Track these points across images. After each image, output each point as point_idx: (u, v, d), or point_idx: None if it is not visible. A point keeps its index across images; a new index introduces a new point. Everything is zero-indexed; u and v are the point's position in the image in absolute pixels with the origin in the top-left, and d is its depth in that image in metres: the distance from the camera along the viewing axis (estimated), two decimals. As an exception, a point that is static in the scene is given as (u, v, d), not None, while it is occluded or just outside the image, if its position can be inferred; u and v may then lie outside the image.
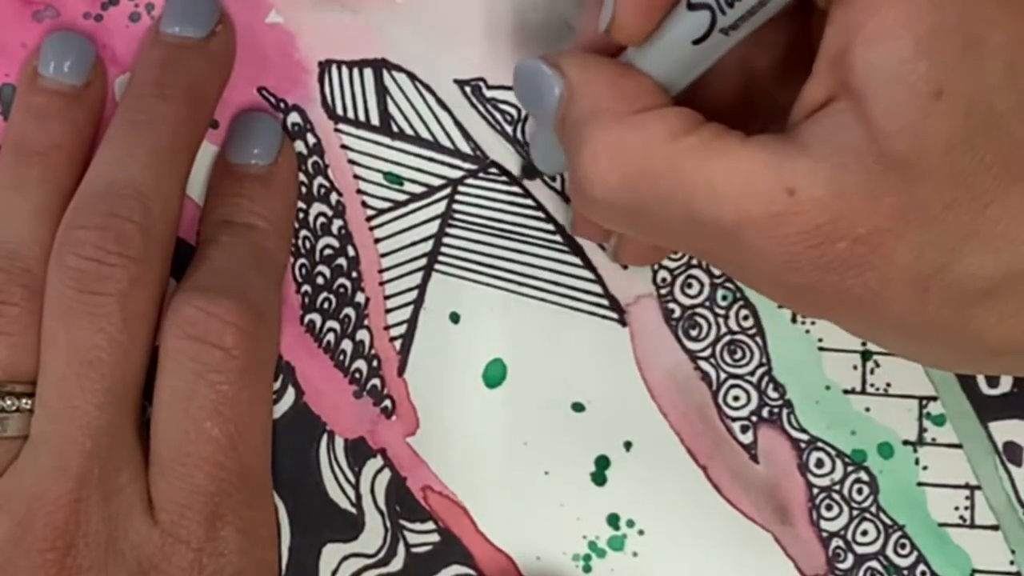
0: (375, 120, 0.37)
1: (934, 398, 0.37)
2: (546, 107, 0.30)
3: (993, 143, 0.25)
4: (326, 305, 0.37)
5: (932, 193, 0.25)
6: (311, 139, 0.37)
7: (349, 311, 0.37)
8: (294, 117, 0.37)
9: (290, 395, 0.36)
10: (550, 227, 0.37)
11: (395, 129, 0.37)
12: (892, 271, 0.26)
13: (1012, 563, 0.36)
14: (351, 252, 0.37)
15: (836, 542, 0.37)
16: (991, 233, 0.26)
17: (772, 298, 0.29)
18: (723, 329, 0.37)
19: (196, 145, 0.35)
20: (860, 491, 0.37)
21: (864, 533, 0.37)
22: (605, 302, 0.37)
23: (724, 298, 0.37)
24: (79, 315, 0.32)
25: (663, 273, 0.37)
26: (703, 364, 0.37)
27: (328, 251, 0.37)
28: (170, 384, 0.33)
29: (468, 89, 0.37)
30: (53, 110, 0.35)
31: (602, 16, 0.29)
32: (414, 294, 0.37)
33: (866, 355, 0.37)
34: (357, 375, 0.37)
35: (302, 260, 0.37)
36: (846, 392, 0.37)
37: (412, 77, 0.37)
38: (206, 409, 0.32)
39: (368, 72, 0.37)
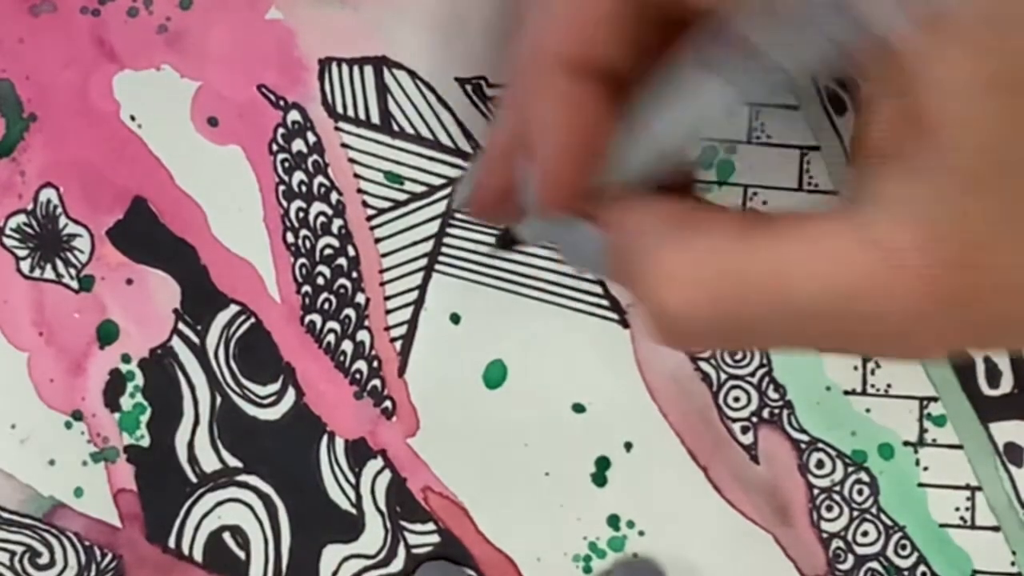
0: (375, 118, 0.37)
1: (935, 399, 0.37)
2: (592, 259, 0.29)
3: None
4: (326, 306, 0.36)
5: (1010, 192, 0.24)
6: (311, 138, 0.37)
7: (349, 312, 0.36)
8: (294, 115, 0.37)
9: (290, 396, 0.36)
10: (551, 227, 0.37)
11: (396, 128, 0.37)
12: (1010, 279, 0.25)
13: (1013, 564, 0.37)
14: (351, 252, 0.37)
15: (836, 543, 0.37)
16: None
17: (898, 357, 0.27)
18: (724, 330, 0.37)
19: None
20: (860, 492, 0.37)
21: (865, 534, 0.37)
22: (606, 303, 0.37)
23: (725, 299, 0.37)
24: None
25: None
26: (704, 365, 0.37)
27: (328, 251, 0.37)
28: None
29: (469, 87, 0.37)
30: None
31: (523, 197, 0.29)
32: (414, 294, 0.37)
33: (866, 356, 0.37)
34: (357, 376, 0.36)
35: (302, 260, 0.36)
36: (847, 393, 0.37)
37: (413, 75, 0.37)
38: None
39: (368, 70, 0.37)
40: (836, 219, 0.25)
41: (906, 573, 0.37)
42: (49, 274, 0.36)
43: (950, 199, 0.24)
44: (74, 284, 0.36)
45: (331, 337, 0.36)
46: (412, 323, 0.37)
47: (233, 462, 0.36)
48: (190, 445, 0.36)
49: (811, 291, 0.25)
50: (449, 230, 0.37)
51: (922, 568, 0.37)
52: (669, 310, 0.27)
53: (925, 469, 0.37)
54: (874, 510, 0.37)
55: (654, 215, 0.28)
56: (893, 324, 0.25)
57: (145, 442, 0.36)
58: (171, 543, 0.37)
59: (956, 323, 0.25)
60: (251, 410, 0.36)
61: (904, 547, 0.37)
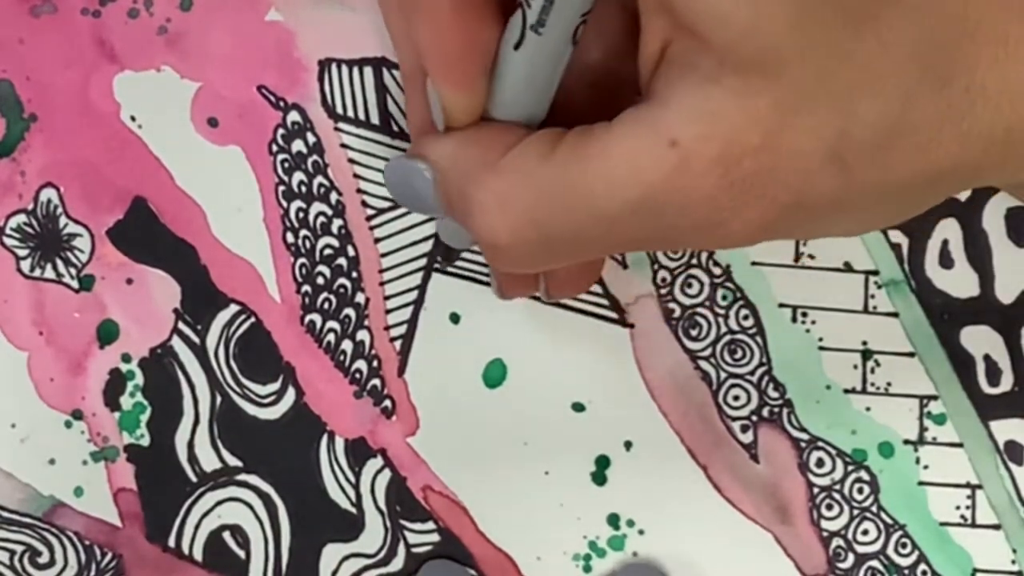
0: (375, 119, 0.37)
1: (935, 397, 0.37)
2: (425, 196, 0.30)
3: (826, 1, 0.25)
4: (326, 305, 0.36)
5: (797, 73, 0.25)
6: (311, 138, 0.37)
7: (349, 311, 0.37)
8: (294, 116, 0.37)
9: (290, 395, 0.36)
10: (550, 226, 0.37)
11: (395, 128, 0.37)
12: (803, 161, 0.26)
13: (1013, 562, 0.36)
14: (351, 252, 0.37)
15: (837, 541, 0.37)
16: (868, 78, 0.25)
17: (713, 245, 0.29)
18: (723, 329, 0.37)
19: None
20: (861, 490, 0.37)
21: (865, 532, 0.37)
22: (605, 302, 0.37)
23: (724, 298, 0.37)
24: None
25: (663, 273, 0.37)
26: (703, 364, 0.37)
27: (328, 251, 0.37)
28: None
29: (468, 87, 0.37)
30: None
31: (434, 117, 0.30)
32: (414, 294, 0.37)
33: (866, 354, 0.37)
34: (357, 375, 0.36)
35: (302, 260, 0.37)
36: (846, 391, 0.37)
37: (412, 75, 0.37)
38: None
39: (368, 71, 0.37)
40: (629, 124, 0.26)
41: (906, 571, 0.37)
42: (49, 274, 0.36)
43: (726, 92, 0.25)
44: (74, 284, 0.36)
45: (331, 337, 0.37)
46: (412, 323, 0.37)
47: (233, 461, 0.36)
48: (190, 444, 0.36)
49: (617, 198, 0.26)
50: (449, 230, 0.37)
51: (922, 566, 0.37)
52: (494, 239, 0.28)
53: (925, 467, 0.37)
54: (874, 509, 0.37)
55: (471, 145, 0.29)
56: (698, 215, 0.26)
57: (145, 441, 0.36)
58: (171, 542, 0.37)
59: (755, 207, 0.26)
60: (251, 410, 0.36)
61: (904, 545, 0.37)
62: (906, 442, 0.37)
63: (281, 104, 0.37)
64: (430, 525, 0.37)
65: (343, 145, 0.37)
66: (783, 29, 0.25)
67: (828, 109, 0.25)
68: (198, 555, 0.37)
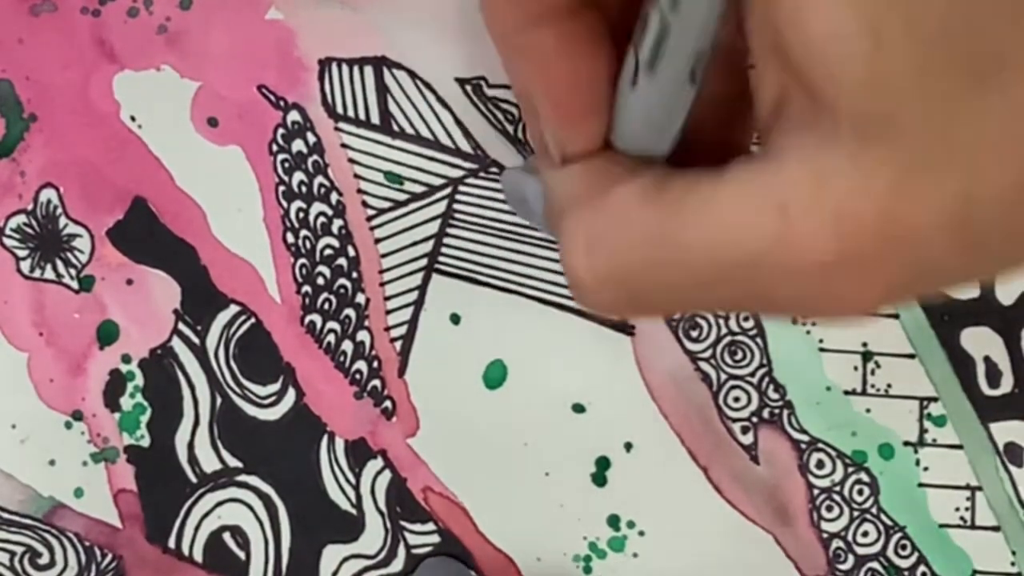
0: (375, 119, 0.37)
1: (935, 399, 0.37)
2: (535, 210, 0.30)
3: (951, 60, 0.23)
4: (326, 306, 0.36)
5: (919, 136, 0.23)
6: (311, 138, 0.37)
7: (349, 312, 0.36)
8: (294, 115, 0.37)
9: (290, 396, 0.36)
10: (551, 227, 0.37)
11: (395, 128, 0.37)
12: (925, 232, 0.23)
13: (1013, 564, 0.37)
14: (351, 252, 0.37)
15: (837, 543, 0.37)
16: (996, 140, 0.23)
17: (818, 318, 0.27)
18: (723, 330, 0.37)
19: None
20: (861, 492, 0.37)
21: (865, 534, 0.37)
22: (606, 303, 0.37)
23: (725, 299, 0.37)
24: None
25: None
26: (703, 365, 0.37)
27: (328, 251, 0.37)
28: None
29: (469, 87, 0.37)
30: None
31: (549, 148, 0.28)
32: (414, 295, 0.37)
33: (867, 356, 0.37)
34: (357, 376, 0.36)
35: (302, 260, 0.36)
36: (847, 393, 0.37)
37: (412, 75, 0.37)
38: None
39: (368, 70, 0.37)
40: (738, 179, 0.24)
41: (906, 573, 0.37)
42: (49, 274, 0.36)
43: (842, 156, 0.23)
44: (74, 284, 0.36)
45: (331, 337, 0.36)
46: (412, 323, 0.37)
47: (233, 462, 0.36)
48: (190, 445, 0.36)
49: (714, 259, 0.25)
50: (449, 230, 0.37)
51: (922, 568, 0.37)
52: (576, 278, 0.26)
53: (925, 469, 0.37)
54: (874, 510, 0.37)
55: (580, 173, 0.28)
56: (801, 287, 0.24)
57: (145, 442, 0.36)
58: (171, 543, 0.37)
59: (868, 283, 0.24)
60: (251, 410, 0.36)
61: (904, 547, 0.37)
62: (906, 444, 0.37)
63: (281, 104, 0.37)
64: (430, 526, 0.37)
65: (343, 145, 0.37)
66: (904, 86, 0.23)
67: (952, 175, 0.23)
68: (198, 556, 0.37)
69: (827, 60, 0.23)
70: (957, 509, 0.37)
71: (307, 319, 0.36)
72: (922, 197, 0.23)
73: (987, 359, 0.37)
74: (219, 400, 0.36)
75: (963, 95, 0.23)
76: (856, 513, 0.37)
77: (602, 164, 0.28)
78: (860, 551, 0.37)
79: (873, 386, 0.37)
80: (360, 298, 0.37)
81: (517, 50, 0.27)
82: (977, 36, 0.23)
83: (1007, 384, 0.37)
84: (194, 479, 0.36)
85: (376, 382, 0.37)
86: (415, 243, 0.37)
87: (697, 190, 0.25)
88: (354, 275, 0.37)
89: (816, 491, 0.37)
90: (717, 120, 0.30)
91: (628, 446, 0.37)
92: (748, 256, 0.24)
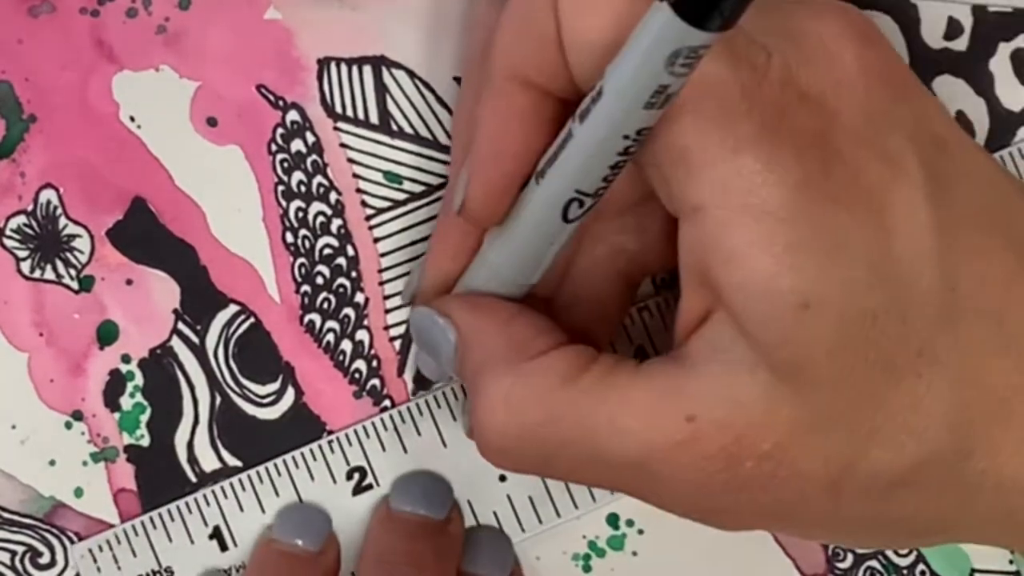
0: (374, 118, 0.37)
1: (934, 397, 0.37)
2: (444, 355, 0.31)
3: (872, 343, 0.25)
4: (326, 305, 0.37)
5: (826, 399, 0.25)
6: (310, 138, 0.37)
7: (349, 311, 0.37)
8: (293, 115, 0.37)
9: (290, 395, 0.36)
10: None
11: (394, 127, 0.37)
12: (802, 481, 0.26)
13: (1011, 563, 0.37)
14: (350, 251, 0.37)
15: (835, 541, 0.37)
16: (892, 427, 0.26)
17: (692, 519, 0.29)
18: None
19: None
20: (859, 490, 0.37)
21: (863, 532, 0.37)
22: (605, 302, 0.37)
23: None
24: None
25: (663, 273, 0.37)
26: (703, 363, 0.37)
27: (327, 250, 0.37)
28: None
29: (468, 87, 0.37)
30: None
31: (455, 198, 0.30)
32: (414, 294, 0.37)
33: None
34: (357, 375, 0.37)
35: (301, 260, 0.37)
36: (846, 391, 0.37)
37: (411, 74, 0.37)
38: None
39: (367, 69, 0.37)
40: (652, 380, 0.26)
41: (905, 571, 0.37)
42: (49, 275, 0.36)
43: (756, 388, 0.25)
44: (74, 284, 0.36)
45: (330, 336, 0.37)
46: (411, 323, 0.37)
47: (233, 462, 0.36)
48: (190, 445, 0.36)
49: (619, 448, 0.27)
50: (448, 230, 0.37)
51: (921, 567, 0.37)
52: (488, 436, 0.28)
53: (924, 467, 0.37)
54: (873, 508, 0.37)
55: (500, 332, 0.29)
56: (686, 493, 0.27)
57: (145, 442, 0.36)
58: (171, 543, 0.37)
59: (743, 507, 0.27)
60: (251, 410, 0.36)
61: (903, 545, 0.37)
62: (905, 442, 0.37)
63: (280, 103, 0.37)
64: (430, 525, 0.37)
65: (342, 144, 0.37)
66: (823, 355, 0.25)
67: (843, 442, 0.26)
68: (198, 555, 0.37)
69: (760, 311, 0.25)
70: (956, 507, 0.37)
71: (306, 318, 0.37)
72: (811, 451, 0.26)
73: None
74: (218, 399, 0.36)
75: (877, 381, 0.25)
76: (855, 511, 0.37)
77: (523, 325, 0.29)
78: (859, 549, 0.37)
79: (872, 384, 0.37)
80: (359, 297, 0.37)
81: (506, 93, 0.28)
82: (899, 328, 0.25)
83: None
84: (194, 479, 0.36)
85: (375, 381, 0.37)
86: (415, 243, 0.37)
87: (614, 383, 0.27)
88: (353, 274, 0.37)
89: (815, 489, 0.37)
90: (616, 268, 0.32)
91: (627, 445, 0.37)
92: (648, 453, 0.26)
